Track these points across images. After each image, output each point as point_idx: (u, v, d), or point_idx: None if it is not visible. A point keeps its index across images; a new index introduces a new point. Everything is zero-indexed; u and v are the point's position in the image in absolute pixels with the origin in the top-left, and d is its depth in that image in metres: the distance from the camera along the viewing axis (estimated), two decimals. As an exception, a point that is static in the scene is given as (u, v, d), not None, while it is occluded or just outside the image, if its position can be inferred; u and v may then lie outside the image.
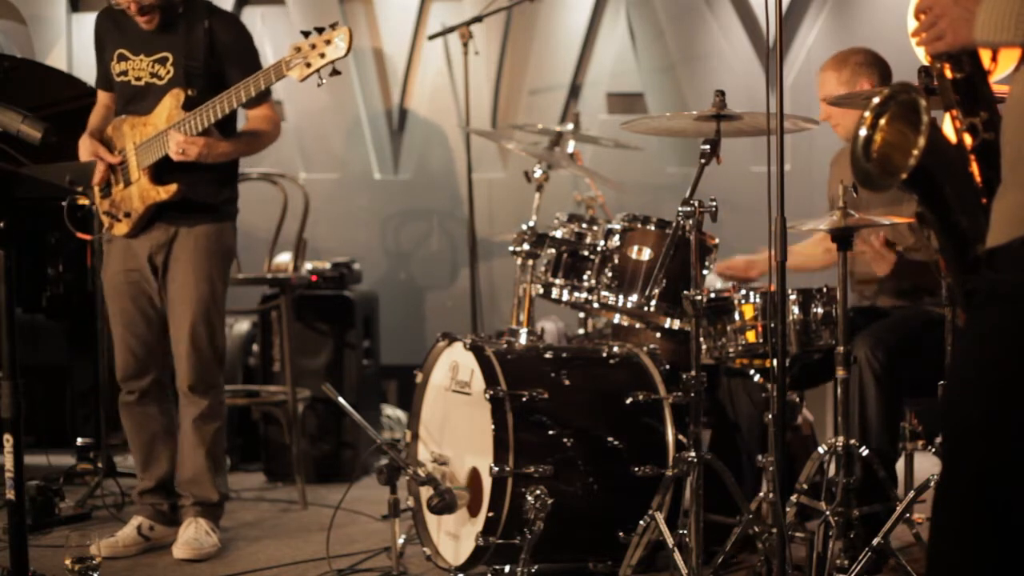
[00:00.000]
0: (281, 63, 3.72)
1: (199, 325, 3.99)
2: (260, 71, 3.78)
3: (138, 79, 4.00)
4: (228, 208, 4.09)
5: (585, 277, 3.82)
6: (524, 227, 4.04)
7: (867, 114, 2.09)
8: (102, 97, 4.19)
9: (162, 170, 3.94)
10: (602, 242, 3.80)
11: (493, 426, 3.51)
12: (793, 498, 3.47)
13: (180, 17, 3.97)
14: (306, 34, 3.69)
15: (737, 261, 4.45)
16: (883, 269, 3.92)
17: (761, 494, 3.61)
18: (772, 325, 3.27)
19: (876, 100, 2.10)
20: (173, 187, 3.93)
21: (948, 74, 2.02)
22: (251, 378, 5.81)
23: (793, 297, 3.66)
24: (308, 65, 3.69)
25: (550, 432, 3.60)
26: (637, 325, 4.18)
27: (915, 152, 1.98)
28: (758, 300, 3.73)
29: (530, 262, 3.96)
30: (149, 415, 4.13)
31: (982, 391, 1.88)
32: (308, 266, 5.50)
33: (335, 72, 3.69)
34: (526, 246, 3.94)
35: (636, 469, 3.61)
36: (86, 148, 4.04)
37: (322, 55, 3.68)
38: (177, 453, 4.15)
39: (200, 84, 3.92)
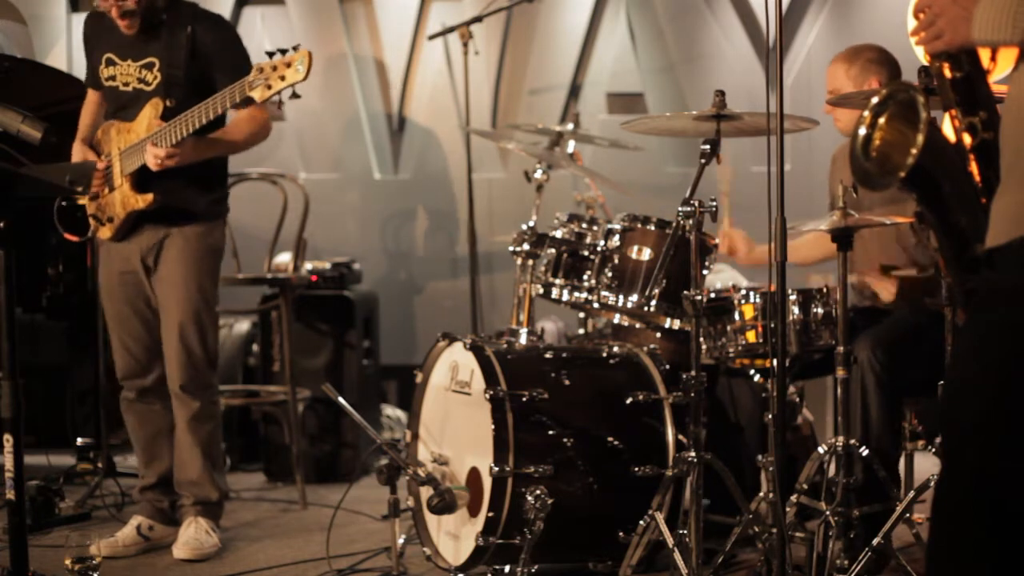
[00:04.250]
0: (245, 83, 3.73)
1: (189, 326, 3.99)
2: (227, 88, 3.77)
3: (126, 84, 4.00)
4: (217, 208, 4.09)
5: (585, 277, 3.82)
6: (524, 227, 4.04)
7: (866, 113, 2.10)
8: (91, 96, 4.19)
9: (144, 177, 3.94)
10: (602, 242, 3.80)
11: (493, 426, 3.51)
12: (793, 498, 3.47)
13: (164, 22, 3.96)
14: (270, 55, 3.70)
15: (738, 239, 4.39)
16: (888, 296, 3.93)
17: (761, 494, 3.61)
18: (772, 325, 3.27)
19: (875, 99, 2.10)
20: (150, 197, 3.94)
21: (947, 73, 2.02)
22: (251, 378, 5.81)
23: (793, 297, 3.67)
24: (269, 87, 3.70)
25: (550, 432, 3.60)
26: (637, 325, 4.18)
27: (913, 151, 1.98)
28: (758, 300, 3.73)
29: (530, 262, 3.96)
30: (153, 411, 4.14)
31: (981, 391, 1.88)
32: (308, 266, 5.50)
33: (295, 95, 3.70)
34: (526, 246, 3.94)
35: (636, 469, 3.61)
36: (77, 154, 4.07)
37: (282, 78, 3.69)
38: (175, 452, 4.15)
39: (181, 93, 3.91)
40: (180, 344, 3.99)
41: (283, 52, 3.70)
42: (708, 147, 3.39)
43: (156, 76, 3.95)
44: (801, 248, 4.36)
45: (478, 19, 5.50)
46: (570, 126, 5.02)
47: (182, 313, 3.98)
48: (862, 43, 4.18)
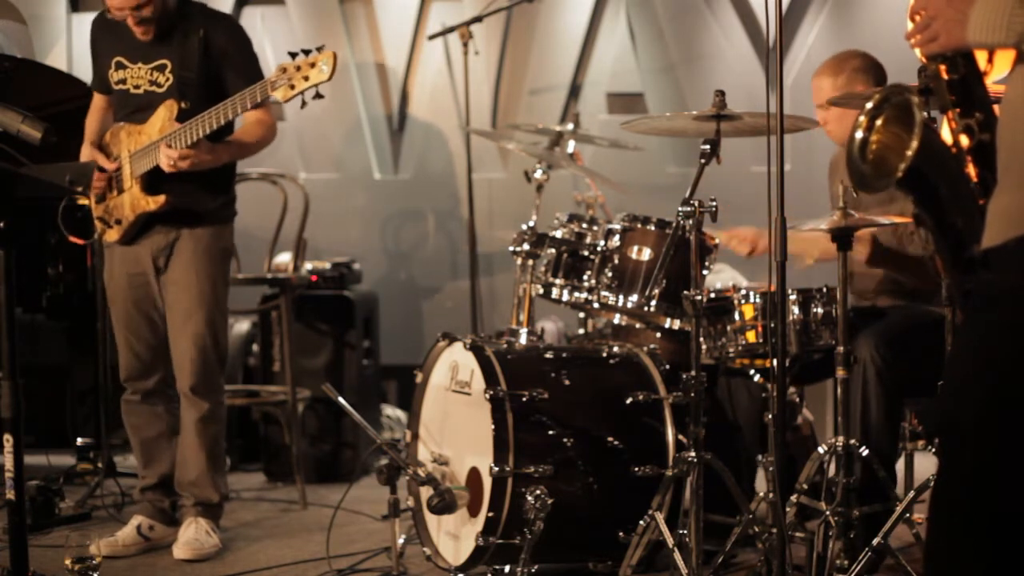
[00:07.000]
0: (267, 83, 3.74)
1: (202, 327, 3.99)
2: (247, 89, 3.77)
3: (137, 87, 3.99)
4: (227, 211, 4.10)
5: (585, 277, 3.82)
6: (524, 227, 4.04)
7: (862, 117, 2.10)
8: (98, 100, 4.18)
9: (155, 179, 3.94)
10: (602, 242, 3.80)
11: (493, 426, 3.51)
12: (793, 498, 3.47)
13: (176, 24, 3.96)
14: (293, 55, 3.70)
15: (746, 230, 4.25)
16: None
17: (761, 494, 3.61)
18: (772, 325, 3.27)
19: (871, 103, 2.11)
20: (162, 198, 3.93)
21: (944, 75, 2.03)
22: (251, 378, 5.81)
23: (793, 297, 3.67)
24: (292, 87, 3.70)
25: (550, 432, 3.60)
26: (637, 325, 4.18)
27: (908, 153, 1.99)
28: (758, 300, 3.73)
29: (530, 262, 3.96)
30: (155, 413, 4.14)
31: (979, 391, 1.88)
32: (308, 266, 5.50)
33: (318, 95, 3.70)
34: (526, 246, 3.95)
35: (636, 469, 3.61)
36: (86, 157, 4.07)
37: (306, 78, 3.68)
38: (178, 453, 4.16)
39: (195, 94, 3.91)
40: (192, 345, 3.99)
41: (306, 52, 3.70)
42: (708, 147, 3.39)
43: (168, 78, 3.95)
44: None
45: (478, 19, 5.50)
46: (570, 126, 5.02)
47: (194, 314, 3.98)
48: (844, 51, 4.15)
